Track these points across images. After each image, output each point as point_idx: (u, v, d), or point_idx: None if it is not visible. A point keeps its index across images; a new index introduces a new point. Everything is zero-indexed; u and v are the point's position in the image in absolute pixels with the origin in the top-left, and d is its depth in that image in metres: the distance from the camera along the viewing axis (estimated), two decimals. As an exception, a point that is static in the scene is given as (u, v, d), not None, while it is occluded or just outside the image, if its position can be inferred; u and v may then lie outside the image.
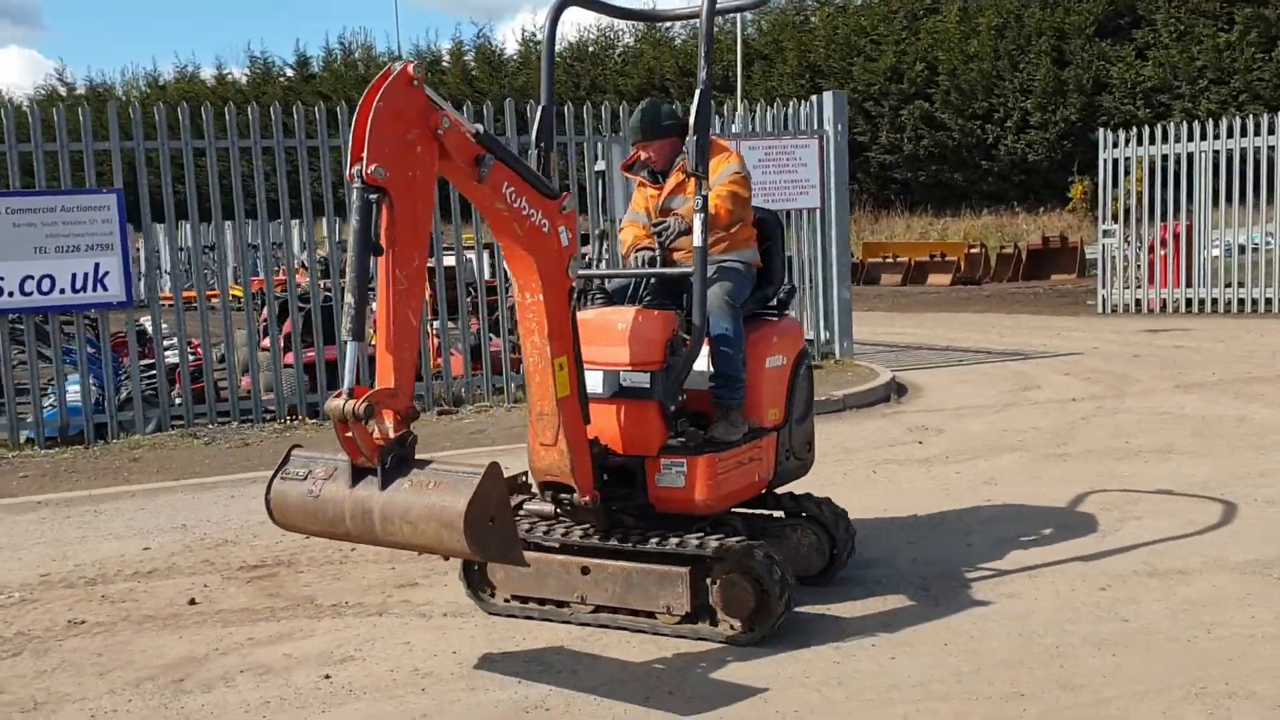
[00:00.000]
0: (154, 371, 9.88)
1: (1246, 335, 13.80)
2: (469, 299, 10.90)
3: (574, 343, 4.30)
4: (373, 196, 3.70)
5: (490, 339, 10.79)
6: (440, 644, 4.54)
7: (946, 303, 21.69)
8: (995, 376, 11.41)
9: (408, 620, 4.84)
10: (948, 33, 37.33)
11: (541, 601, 4.71)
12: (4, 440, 9.24)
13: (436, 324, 10.88)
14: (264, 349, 10.46)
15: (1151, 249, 16.96)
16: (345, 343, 3.76)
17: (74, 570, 5.77)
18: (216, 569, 5.70)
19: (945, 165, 37.65)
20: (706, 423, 4.70)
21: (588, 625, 4.61)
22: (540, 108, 4.81)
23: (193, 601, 5.19)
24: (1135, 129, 17.16)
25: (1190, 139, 16.50)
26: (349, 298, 3.70)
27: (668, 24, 38.14)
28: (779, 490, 5.15)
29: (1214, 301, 16.66)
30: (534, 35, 47.94)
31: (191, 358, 10.09)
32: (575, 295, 4.35)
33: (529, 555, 4.58)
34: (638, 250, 4.94)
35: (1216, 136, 16.36)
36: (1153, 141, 16.68)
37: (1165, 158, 16.63)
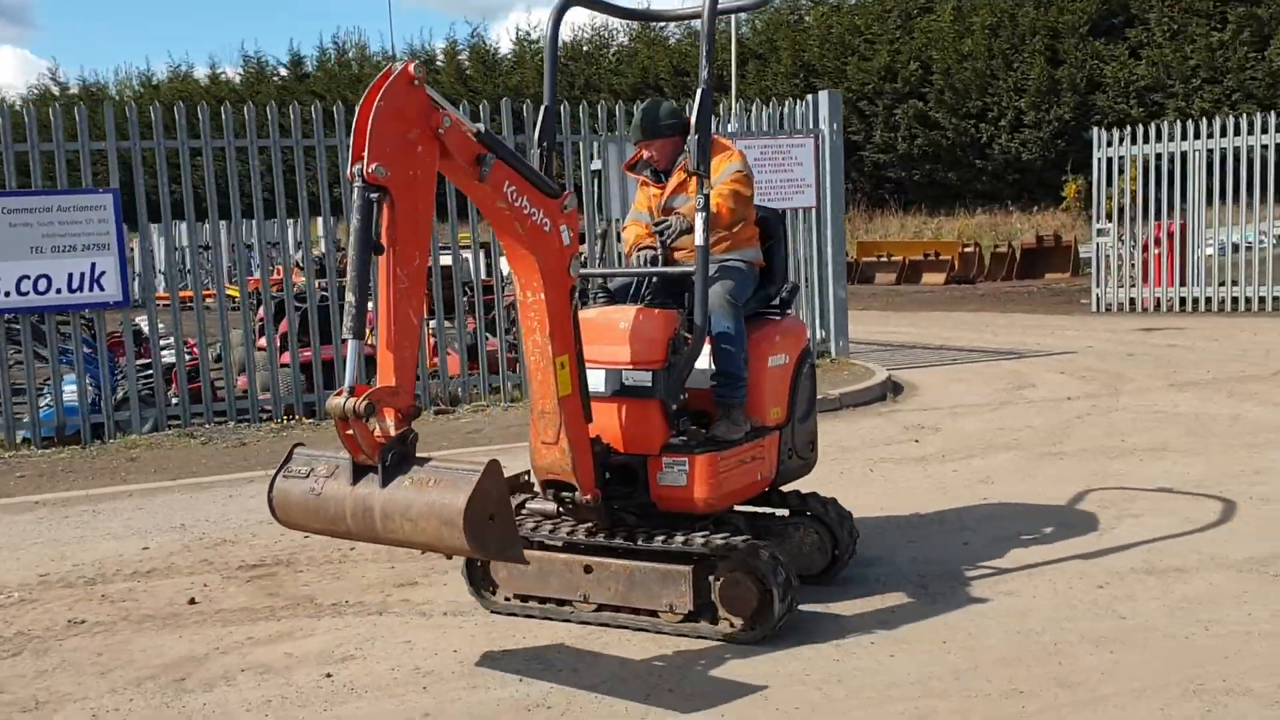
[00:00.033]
0: (150, 371, 9.88)
1: (1240, 334, 13.84)
2: (465, 298, 10.89)
3: (575, 341, 4.31)
4: (374, 195, 3.71)
5: (486, 338, 10.80)
6: (440, 643, 4.55)
7: (941, 302, 21.73)
8: (990, 375, 11.44)
9: (408, 619, 4.85)
10: (942, 32, 37.40)
11: (544, 600, 4.72)
12: (1, 440, 9.23)
13: (433, 323, 10.89)
14: (260, 349, 10.45)
15: (1145, 248, 17.00)
16: (346, 341, 3.77)
17: (73, 570, 5.77)
18: (215, 568, 5.71)
19: (939, 164, 37.72)
20: (708, 421, 4.71)
21: (589, 624, 4.62)
22: (543, 107, 4.81)
23: (192, 601, 5.19)
24: (1129, 128, 17.21)
25: (1184, 138, 16.55)
26: (350, 296, 3.71)
27: (662, 23, 38.17)
28: (785, 489, 5.16)
29: (1208, 300, 16.71)
30: (528, 34, 48.01)
31: (188, 358, 10.09)
32: (577, 294, 4.36)
33: (532, 554, 4.60)
34: (640, 249, 4.95)
35: (1210, 135, 16.41)
36: (1146, 140, 16.73)
37: (1159, 157, 16.67)
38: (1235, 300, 16.52)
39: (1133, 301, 17.16)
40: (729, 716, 3.83)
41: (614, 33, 45.60)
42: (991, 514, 6.22)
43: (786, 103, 12.19)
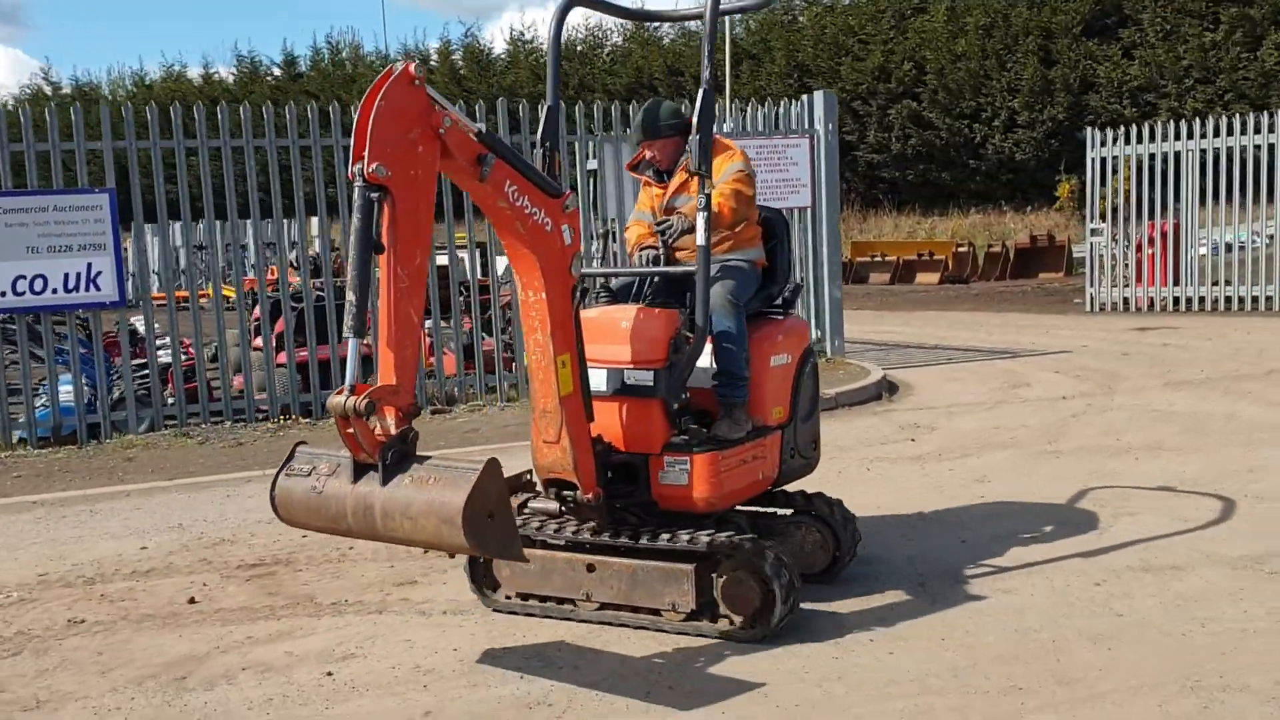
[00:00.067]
0: (147, 371, 9.87)
1: (1234, 333, 13.89)
2: (461, 298, 10.90)
3: (577, 340, 4.33)
4: (374, 195, 3.73)
5: (483, 338, 10.80)
6: (440, 641, 4.56)
7: (935, 301, 21.77)
8: (985, 374, 11.47)
9: (407, 618, 4.86)
10: (935, 32, 37.43)
11: (546, 599, 4.73)
12: (-3, 440, 9.23)
13: (429, 323, 10.88)
14: (256, 349, 10.45)
15: (1139, 247, 17.05)
16: (347, 340, 3.78)
17: (72, 570, 5.78)
18: (214, 568, 5.71)
19: (933, 164, 37.75)
20: (710, 421, 4.72)
21: (590, 623, 4.63)
22: (546, 107, 4.82)
23: (192, 600, 5.20)
24: (1122, 128, 17.26)
25: (1177, 138, 16.60)
26: (351, 295, 3.72)
27: (656, 23, 38.16)
28: (790, 489, 5.17)
29: (1201, 300, 16.76)
30: (522, 34, 47.97)
31: (184, 358, 10.08)
32: (578, 293, 4.37)
33: (535, 553, 4.61)
34: (642, 249, 4.97)
35: (1203, 135, 16.47)
36: (1140, 140, 16.79)
37: (1152, 156, 16.73)
38: (1229, 300, 16.58)
39: (1126, 301, 17.21)
40: (729, 713, 3.84)
41: (608, 33, 45.60)
42: (988, 512, 6.24)
43: (782, 103, 12.21)
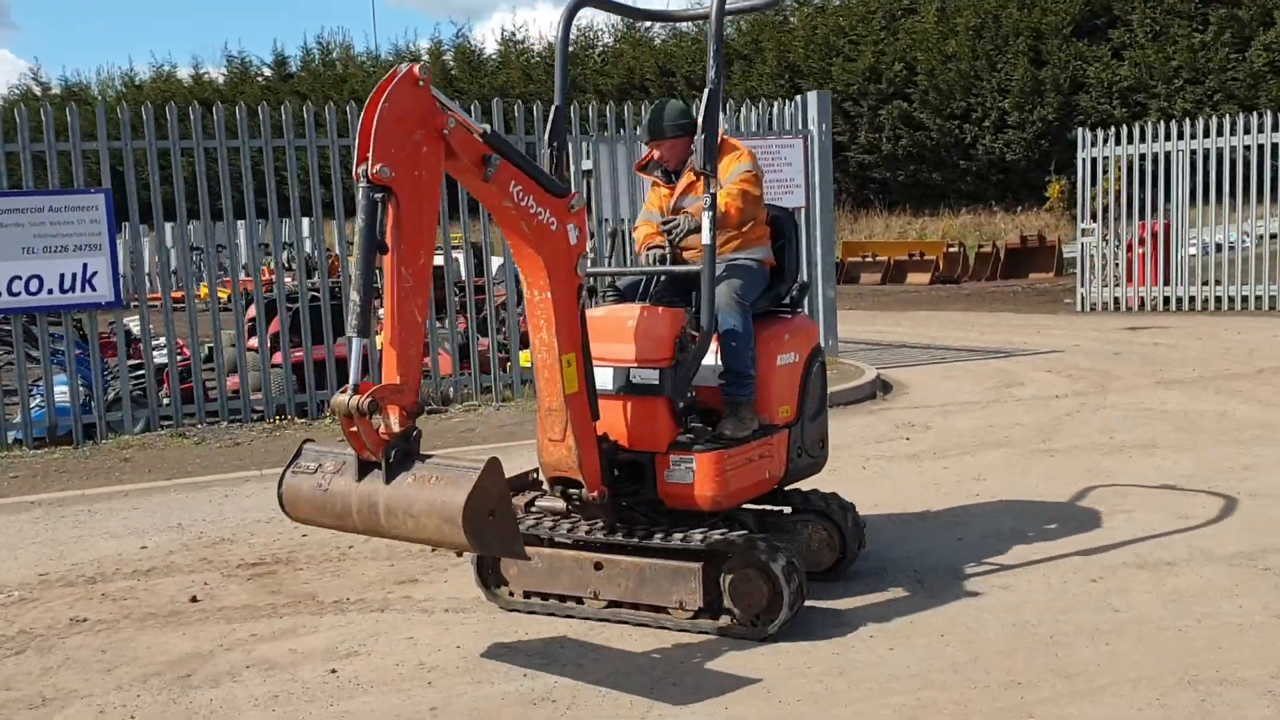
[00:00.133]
0: (142, 371, 9.87)
1: (1224, 333, 13.97)
2: (456, 298, 10.91)
3: (582, 339, 4.35)
4: (378, 195, 3.75)
5: (478, 338, 10.82)
6: (444, 638, 4.59)
7: (926, 301, 21.84)
8: (978, 374, 11.52)
9: (410, 616, 4.88)
10: (926, 33, 37.53)
11: (551, 597, 4.76)
12: (-7, 440, 9.22)
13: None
14: (251, 348, 10.46)
15: (1129, 247, 17.12)
16: (350, 339, 3.80)
17: (72, 569, 5.79)
18: (215, 567, 5.73)
19: (924, 165, 37.86)
20: (717, 419, 4.74)
21: (594, 620, 4.66)
22: (553, 107, 4.84)
23: (194, 599, 5.22)
24: (1112, 128, 17.34)
25: (1167, 138, 16.68)
26: (354, 295, 3.75)
27: (648, 24, 38.20)
28: (788, 488, 5.19)
29: (1191, 299, 16.84)
30: (513, 34, 47.96)
31: (179, 358, 10.08)
32: (584, 292, 4.40)
33: (543, 551, 4.64)
34: (649, 248, 4.99)
35: (1193, 136, 16.55)
36: (1130, 141, 16.85)
37: (1142, 157, 16.80)
38: (1219, 299, 16.66)
39: (1117, 301, 17.28)
40: (732, 709, 3.87)
41: (599, 33, 45.63)
42: (985, 510, 6.29)
43: (775, 103, 12.24)
